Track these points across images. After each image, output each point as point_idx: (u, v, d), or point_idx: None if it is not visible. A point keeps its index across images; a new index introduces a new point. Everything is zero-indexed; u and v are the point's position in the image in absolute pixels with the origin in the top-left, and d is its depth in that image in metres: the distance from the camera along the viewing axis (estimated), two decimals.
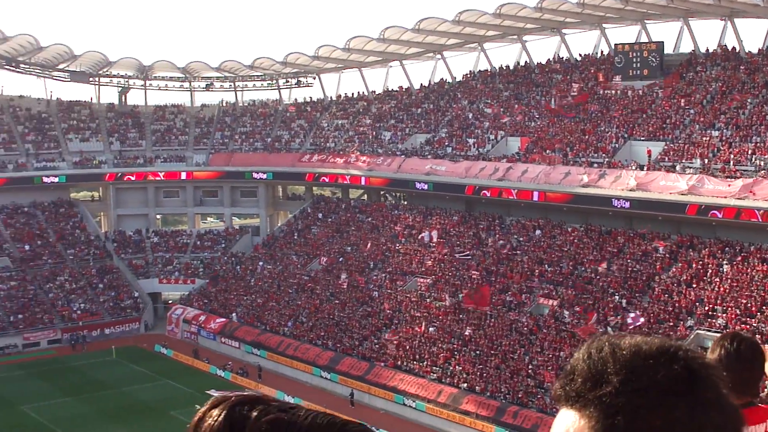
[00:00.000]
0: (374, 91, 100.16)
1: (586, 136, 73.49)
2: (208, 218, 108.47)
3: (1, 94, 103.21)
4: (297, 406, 2.07)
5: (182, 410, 62.47)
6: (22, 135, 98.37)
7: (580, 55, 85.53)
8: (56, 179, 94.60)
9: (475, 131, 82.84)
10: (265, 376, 69.19)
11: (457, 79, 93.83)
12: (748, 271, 57.80)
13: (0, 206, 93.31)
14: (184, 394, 66.62)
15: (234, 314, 79.34)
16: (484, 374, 59.43)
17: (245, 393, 2.12)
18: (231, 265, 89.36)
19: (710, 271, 59.48)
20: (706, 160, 63.14)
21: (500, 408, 55.90)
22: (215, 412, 2.07)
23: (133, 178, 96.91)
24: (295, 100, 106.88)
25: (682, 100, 71.05)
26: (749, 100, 67.42)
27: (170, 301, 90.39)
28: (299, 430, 2.01)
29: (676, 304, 57.92)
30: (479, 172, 74.90)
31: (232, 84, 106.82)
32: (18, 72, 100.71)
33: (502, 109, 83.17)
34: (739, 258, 59.17)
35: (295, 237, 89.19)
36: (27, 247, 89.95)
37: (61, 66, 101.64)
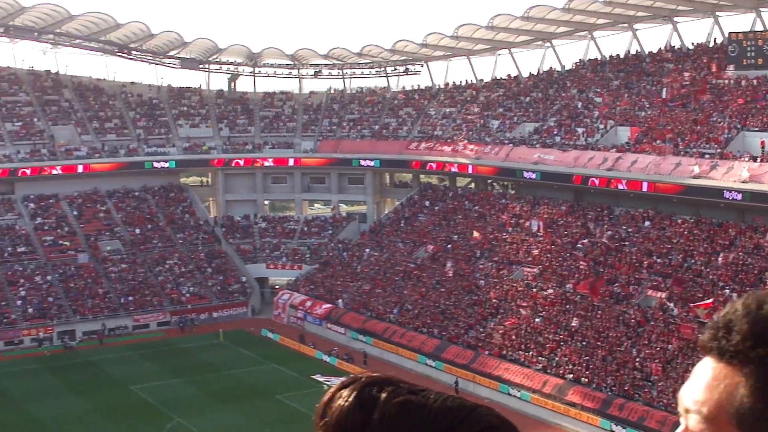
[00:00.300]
0: (482, 80, 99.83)
1: (698, 127, 72.28)
2: (316, 204, 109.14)
3: (114, 81, 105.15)
4: (426, 388, 2.07)
5: (288, 394, 63.15)
6: (134, 121, 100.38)
7: (692, 43, 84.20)
8: (166, 164, 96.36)
9: (584, 120, 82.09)
10: (371, 362, 69.25)
11: (567, 68, 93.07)
12: None
13: (112, 190, 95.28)
14: (290, 378, 67.13)
15: (340, 300, 79.65)
16: (591, 366, 58.91)
17: (375, 374, 2.14)
18: (338, 252, 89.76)
19: None
20: None
21: (606, 400, 55.38)
22: (345, 392, 2.08)
23: (241, 164, 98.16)
24: (403, 87, 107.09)
25: None
26: None
27: (277, 286, 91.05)
28: (429, 412, 2.01)
29: None
30: (588, 162, 74.24)
31: (340, 71, 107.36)
32: (130, 59, 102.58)
33: (612, 98, 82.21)
34: None
35: (402, 224, 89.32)
36: (137, 231, 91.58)
37: (171, 53, 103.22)
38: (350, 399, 2.06)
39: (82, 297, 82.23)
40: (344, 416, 2.05)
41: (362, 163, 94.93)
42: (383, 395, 2.05)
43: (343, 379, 2.16)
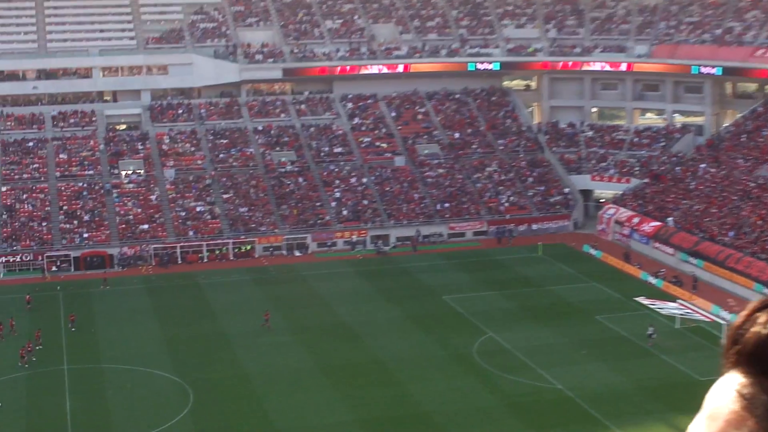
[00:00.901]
0: None
1: None
2: (648, 114, 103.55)
3: None
4: None
5: (608, 316, 60.91)
6: (456, 20, 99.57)
7: None
8: (490, 66, 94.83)
9: None
10: (701, 287, 66.08)
11: None
12: None
13: (431, 92, 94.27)
14: (611, 299, 64.81)
15: (670, 219, 76.14)
16: None
17: None
18: (670, 166, 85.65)
19: None
20: None
21: None
22: (764, 317, 1.83)
23: (569, 67, 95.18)
24: None
25: None
26: None
27: (602, 200, 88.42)
28: None
29: None
30: None
31: None
32: None
33: None
34: None
35: (743, 139, 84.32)
36: (456, 135, 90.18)
37: None
38: None
39: (397, 201, 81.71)
40: (763, 344, 1.82)
41: (702, 70, 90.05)
42: None
43: (759, 299, 1.86)
